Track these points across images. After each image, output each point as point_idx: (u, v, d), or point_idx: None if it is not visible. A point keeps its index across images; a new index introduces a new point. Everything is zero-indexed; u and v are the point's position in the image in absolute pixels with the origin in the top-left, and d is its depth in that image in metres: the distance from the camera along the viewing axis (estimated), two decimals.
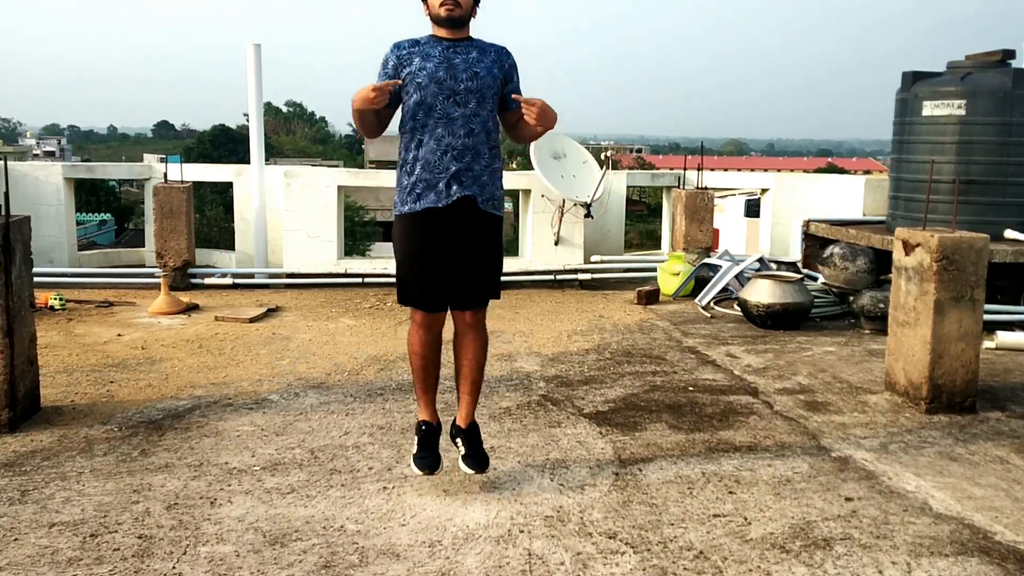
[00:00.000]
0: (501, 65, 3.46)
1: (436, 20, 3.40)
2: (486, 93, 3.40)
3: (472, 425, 3.63)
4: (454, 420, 3.68)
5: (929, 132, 7.60)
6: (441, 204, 3.38)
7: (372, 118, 3.39)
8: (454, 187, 3.38)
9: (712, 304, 7.79)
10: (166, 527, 3.17)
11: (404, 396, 4.83)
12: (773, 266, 8.14)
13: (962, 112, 7.34)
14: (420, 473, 3.53)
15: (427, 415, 3.63)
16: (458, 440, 3.62)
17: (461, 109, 3.36)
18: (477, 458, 3.54)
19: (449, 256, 3.42)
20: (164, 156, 13.62)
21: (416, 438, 3.62)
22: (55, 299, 7.16)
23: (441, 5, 3.33)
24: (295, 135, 72.65)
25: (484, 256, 3.47)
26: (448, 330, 3.57)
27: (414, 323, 3.52)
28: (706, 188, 9.37)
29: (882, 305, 6.61)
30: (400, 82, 3.35)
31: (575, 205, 8.88)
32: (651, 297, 7.94)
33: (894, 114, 8.08)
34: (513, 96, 3.42)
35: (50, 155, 71.28)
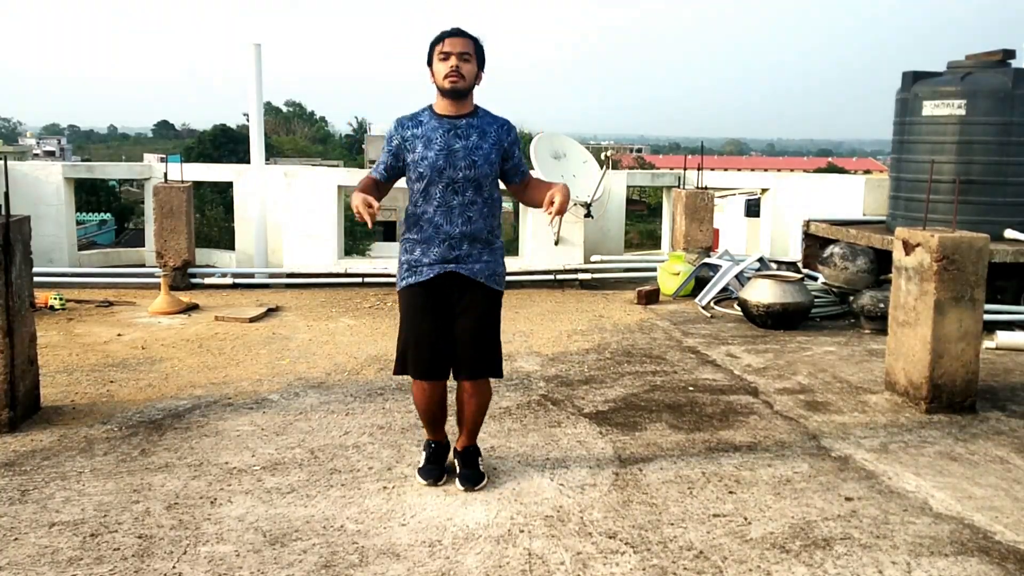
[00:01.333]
0: (500, 146, 3.48)
1: (440, 91, 3.41)
2: (483, 182, 3.43)
3: (468, 449, 3.68)
4: (455, 444, 3.76)
5: (929, 132, 7.60)
6: (436, 274, 3.41)
7: (373, 191, 3.41)
8: (454, 263, 3.42)
9: (712, 304, 7.79)
10: (166, 527, 3.17)
11: (404, 396, 4.83)
12: (773, 266, 8.14)
13: (962, 112, 7.34)
14: (425, 483, 3.60)
15: (436, 437, 3.71)
16: (455, 460, 3.70)
17: (459, 198, 3.39)
18: (471, 476, 3.61)
19: (450, 327, 3.45)
20: (164, 156, 13.63)
21: (424, 453, 3.71)
22: (55, 299, 7.16)
23: (445, 77, 3.34)
24: (295, 135, 72.62)
25: (482, 329, 3.48)
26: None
27: (417, 386, 3.55)
28: (706, 188, 9.37)
29: (882, 305, 6.61)
30: (376, 211, 3.25)
31: (575, 205, 8.88)
32: (651, 297, 7.94)
33: (894, 114, 8.08)
34: (545, 210, 3.35)
35: (50, 155, 71.26)
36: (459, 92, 3.38)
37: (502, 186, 3.63)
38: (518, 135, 3.60)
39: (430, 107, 3.49)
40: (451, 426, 3.85)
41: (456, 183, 3.38)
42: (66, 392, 4.83)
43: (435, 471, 3.62)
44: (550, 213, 3.32)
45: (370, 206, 3.19)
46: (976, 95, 7.29)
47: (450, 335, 3.46)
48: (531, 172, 3.69)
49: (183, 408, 4.58)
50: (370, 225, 3.24)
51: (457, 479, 3.61)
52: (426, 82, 3.46)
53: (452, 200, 3.39)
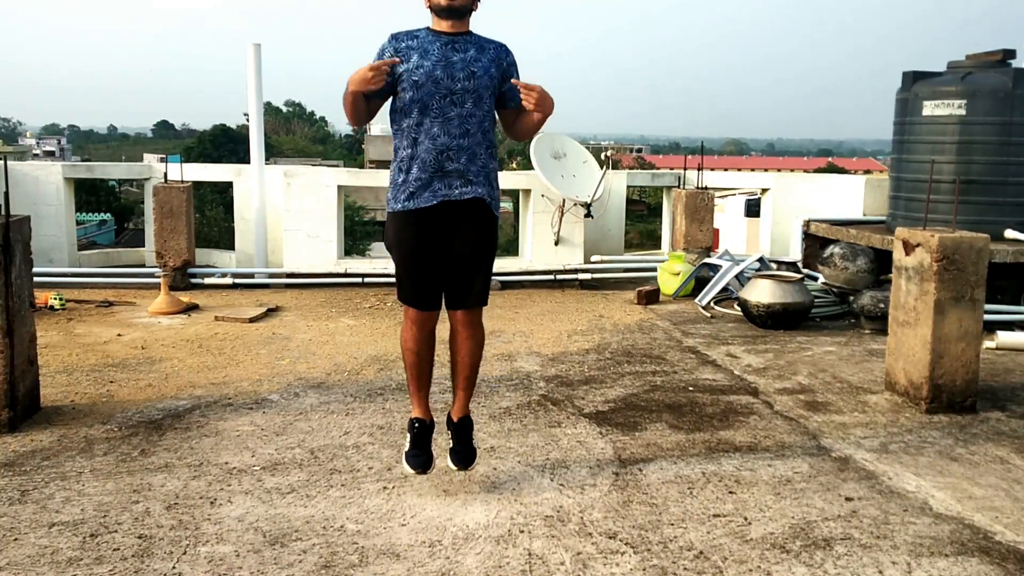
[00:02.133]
0: (499, 63, 3.41)
1: (436, 10, 3.34)
2: (483, 93, 3.35)
3: (464, 420, 3.59)
4: (449, 412, 3.68)
5: (929, 132, 7.60)
6: (436, 202, 3.35)
7: (363, 104, 3.34)
8: (450, 187, 3.35)
9: (712, 304, 7.79)
10: (166, 527, 3.17)
11: (404, 396, 4.82)
12: (773, 266, 8.13)
13: (962, 112, 7.34)
14: (412, 472, 3.52)
15: (420, 412, 3.60)
16: (449, 432, 3.62)
17: (457, 109, 3.32)
18: (463, 454, 3.53)
19: (443, 255, 3.40)
20: (164, 156, 13.62)
21: (408, 435, 3.59)
22: (55, 299, 7.16)
23: None
24: (295, 135, 72.64)
25: (480, 256, 3.44)
26: (443, 328, 3.57)
27: (407, 319, 3.48)
28: (706, 188, 9.37)
29: (882, 305, 6.60)
30: (398, 60, 3.29)
31: (575, 205, 8.88)
32: (651, 297, 7.93)
33: (894, 114, 8.08)
34: (512, 80, 3.36)
35: (50, 155, 71.28)
36: (456, 11, 3.32)
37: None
38: (515, 59, 3.51)
39: (426, 27, 3.42)
40: (435, 405, 3.84)
41: (454, 94, 3.30)
42: (66, 392, 4.82)
43: (423, 458, 3.51)
44: (530, 100, 3.26)
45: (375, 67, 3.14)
46: (976, 95, 7.29)
47: (444, 263, 3.39)
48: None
49: (183, 408, 4.58)
50: (381, 81, 3.18)
51: (448, 456, 3.53)
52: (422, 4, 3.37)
53: (450, 111, 3.31)
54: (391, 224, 3.45)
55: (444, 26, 3.37)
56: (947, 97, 7.42)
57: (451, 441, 3.59)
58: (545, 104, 3.32)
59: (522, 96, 3.30)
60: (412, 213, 3.36)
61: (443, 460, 3.65)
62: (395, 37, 3.39)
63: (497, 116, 3.54)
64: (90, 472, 3.68)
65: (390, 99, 3.45)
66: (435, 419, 3.69)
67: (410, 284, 3.41)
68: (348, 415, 4.51)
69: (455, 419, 3.60)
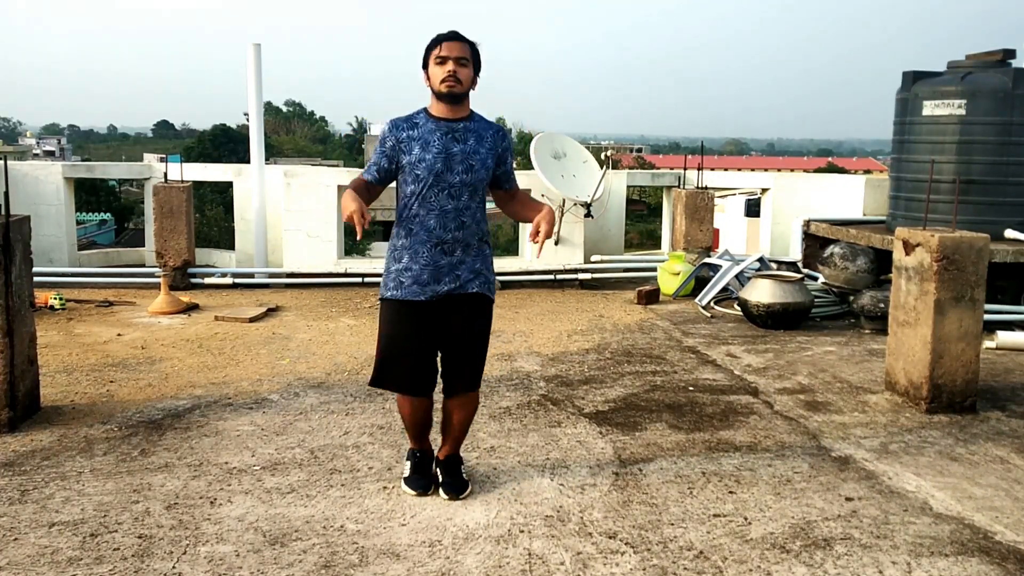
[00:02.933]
0: (495, 152, 3.44)
1: (436, 95, 3.36)
2: (478, 186, 3.39)
3: (451, 457, 3.62)
4: (437, 452, 3.69)
5: (929, 132, 7.60)
6: (426, 297, 3.35)
7: (365, 193, 3.35)
8: (439, 282, 3.36)
9: (712, 304, 7.79)
10: (166, 527, 3.17)
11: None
12: (773, 266, 8.13)
13: (962, 112, 7.34)
14: (413, 493, 3.54)
15: (418, 446, 3.65)
16: (437, 469, 3.63)
17: (454, 202, 3.34)
18: (454, 484, 3.54)
19: (436, 344, 3.41)
20: (164, 156, 13.62)
21: (409, 463, 3.64)
22: (55, 299, 7.16)
23: (443, 82, 3.29)
24: (295, 135, 72.67)
25: (471, 344, 3.45)
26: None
27: (401, 396, 3.49)
28: (706, 188, 9.37)
29: (882, 305, 6.60)
30: (366, 227, 3.19)
31: (575, 205, 8.88)
32: (651, 297, 7.94)
33: (894, 114, 8.08)
34: (531, 239, 3.31)
35: (50, 155, 71.30)
36: (456, 96, 3.34)
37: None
38: (511, 142, 3.57)
39: (425, 110, 3.43)
40: (435, 433, 3.84)
41: (453, 187, 3.33)
42: (66, 392, 4.82)
43: (422, 481, 3.56)
44: (536, 242, 3.28)
45: (362, 215, 3.12)
46: (976, 95, 7.29)
47: (436, 350, 3.41)
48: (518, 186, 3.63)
49: (183, 408, 4.58)
50: (359, 235, 3.18)
51: (440, 488, 3.54)
52: (422, 83, 3.40)
53: (447, 204, 3.33)
54: (384, 310, 3.45)
55: (442, 110, 3.38)
56: (947, 97, 7.42)
57: (440, 476, 3.60)
58: (550, 234, 3.32)
59: (531, 238, 3.30)
60: (401, 303, 3.37)
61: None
62: (395, 126, 3.40)
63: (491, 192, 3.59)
64: (90, 472, 3.68)
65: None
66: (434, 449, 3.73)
67: (404, 372, 3.40)
68: (348, 415, 4.51)
69: (441, 458, 3.63)
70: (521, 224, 9.60)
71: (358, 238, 3.22)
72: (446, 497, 3.50)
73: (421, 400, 3.47)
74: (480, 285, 3.43)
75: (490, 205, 3.71)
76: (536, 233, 3.26)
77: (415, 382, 3.41)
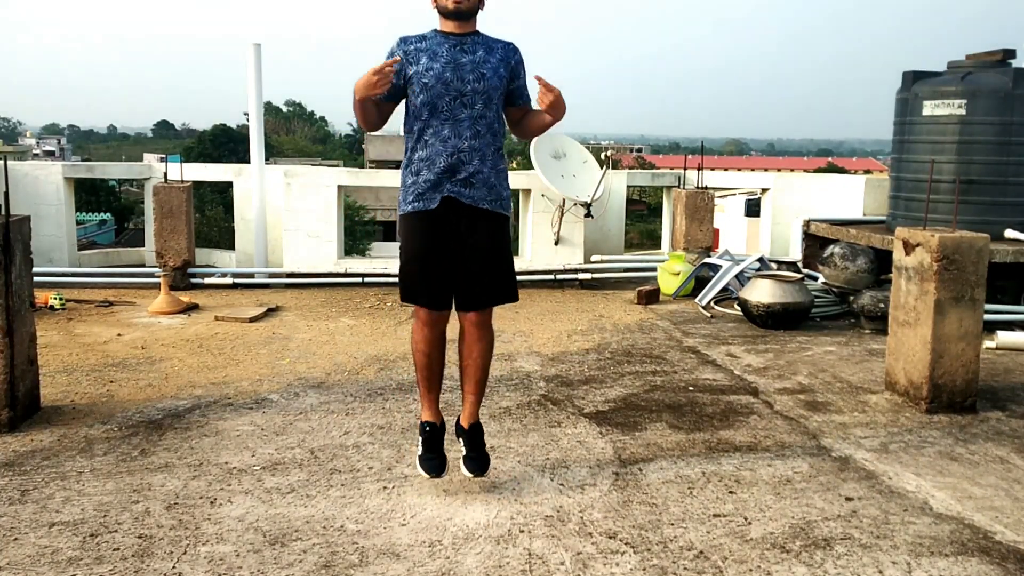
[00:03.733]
0: (507, 63, 3.44)
1: (443, 13, 3.37)
2: (492, 94, 3.37)
3: (475, 426, 3.59)
4: (458, 419, 3.66)
5: (929, 132, 7.60)
6: (441, 197, 3.35)
7: (373, 109, 3.36)
8: (461, 189, 3.36)
9: (712, 304, 7.79)
10: (166, 527, 3.17)
11: (404, 396, 4.83)
12: (773, 266, 8.13)
13: (962, 112, 7.34)
14: (427, 476, 3.51)
15: (431, 415, 3.59)
16: (460, 440, 3.61)
17: (467, 111, 3.34)
18: (478, 460, 3.52)
19: (455, 255, 3.40)
20: (164, 156, 13.62)
21: (420, 439, 3.58)
22: (55, 299, 7.16)
23: None
24: (295, 135, 72.67)
25: (492, 256, 3.44)
26: (452, 329, 3.57)
27: (418, 320, 3.48)
28: (706, 188, 9.37)
29: (882, 305, 6.60)
30: (399, 59, 3.31)
31: (575, 205, 8.88)
32: (651, 297, 7.93)
33: (894, 114, 8.08)
34: (536, 77, 3.36)
35: (50, 155, 71.32)
36: (463, 13, 3.34)
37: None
38: (523, 57, 3.53)
39: (434, 29, 3.44)
40: (446, 413, 3.84)
41: (464, 96, 3.33)
42: (66, 392, 4.82)
43: (436, 462, 3.51)
44: (545, 100, 3.29)
45: (382, 70, 3.13)
46: (976, 95, 7.29)
47: (454, 263, 3.39)
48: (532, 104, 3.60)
49: (183, 408, 4.58)
50: (387, 84, 3.17)
51: (462, 463, 3.51)
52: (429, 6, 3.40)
53: (460, 113, 3.33)
54: (401, 225, 3.47)
55: (451, 27, 3.39)
56: (947, 97, 7.42)
57: (463, 448, 3.58)
58: (558, 109, 3.35)
59: (540, 93, 3.32)
60: (421, 214, 3.38)
61: (450, 460, 3.65)
62: (404, 40, 3.41)
63: (504, 113, 3.56)
64: (90, 472, 3.68)
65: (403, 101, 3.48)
66: (446, 420, 3.71)
67: (422, 285, 3.40)
68: (348, 415, 4.51)
69: (465, 426, 3.59)
70: (521, 224, 9.61)
71: (386, 85, 3.15)
72: (468, 473, 3.48)
73: (438, 318, 3.43)
74: (496, 202, 3.43)
75: None
76: (545, 93, 3.27)
77: (434, 293, 3.39)
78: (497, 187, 3.43)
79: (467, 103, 3.33)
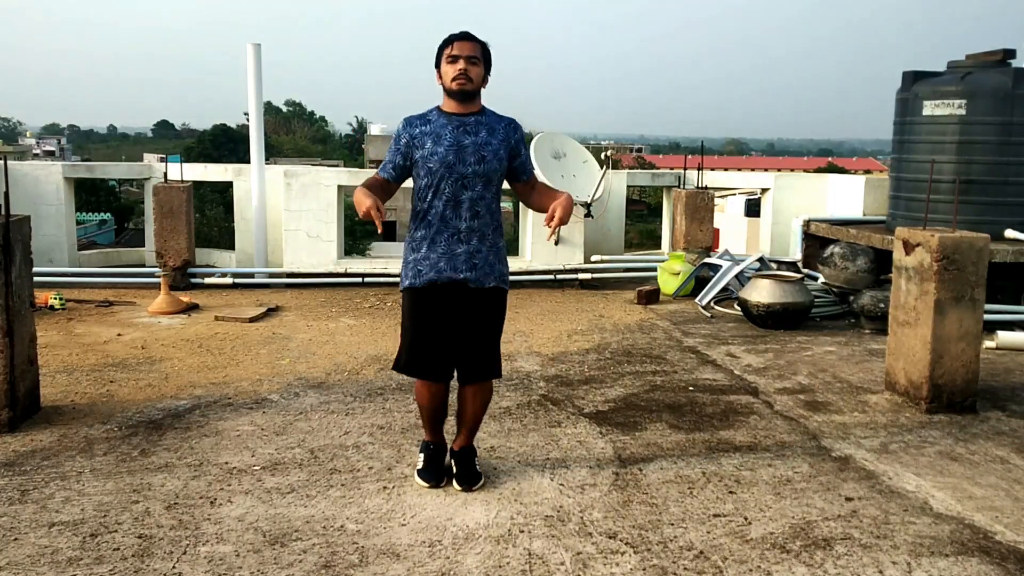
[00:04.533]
0: (508, 143, 3.51)
1: (448, 92, 3.45)
2: (492, 176, 3.46)
3: (465, 449, 3.69)
4: (451, 443, 3.76)
5: (929, 132, 7.60)
6: (444, 281, 3.43)
7: (381, 193, 3.42)
8: (456, 270, 3.43)
9: (712, 304, 7.79)
10: (166, 527, 3.17)
11: (404, 396, 4.83)
12: (773, 266, 8.13)
13: (962, 112, 7.33)
14: (426, 485, 3.61)
15: (433, 438, 3.72)
16: (452, 460, 3.71)
17: (468, 192, 3.42)
18: (467, 477, 3.62)
19: (455, 332, 3.47)
20: (164, 156, 13.61)
21: (422, 455, 3.70)
22: (55, 299, 7.16)
23: (454, 80, 3.38)
24: (295, 135, 72.65)
25: (488, 334, 3.54)
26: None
27: (420, 384, 3.56)
28: (706, 188, 9.37)
29: (882, 305, 6.60)
30: (382, 219, 3.29)
31: (575, 205, 8.87)
32: (651, 297, 7.93)
33: (894, 114, 8.08)
34: (546, 223, 3.39)
35: (50, 155, 71.28)
36: (467, 94, 3.43)
37: (505, 186, 3.65)
38: (523, 134, 3.63)
39: (437, 107, 3.52)
40: (448, 426, 3.85)
41: (465, 178, 3.41)
42: (66, 392, 4.82)
43: (435, 474, 3.64)
44: (550, 227, 3.34)
45: (378, 210, 3.18)
46: (976, 95, 7.29)
47: (454, 338, 3.47)
48: (535, 174, 3.71)
49: (183, 408, 4.58)
50: (379, 229, 3.27)
51: (454, 480, 3.62)
52: (429, 83, 3.51)
53: (461, 195, 3.42)
54: (403, 300, 3.56)
55: (454, 107, 3.47)
56: (947, 97, 7.42)
57: (455, 467, 3.68)
58: (566, 220, 3.37)
59: (545, 222, 3.37)
60: (421, 291, 3.45)
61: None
62: (409, 123, 3.50)
63: (510, 186, 3.66)
64: (90, 472, 3.68)
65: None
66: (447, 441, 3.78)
67: (423, 360, 3.48)
68: (348, 415, 4.51)
69: (456, 449, 3.70)
70: (521, 224, 9.61)
71: (379, 231, 3.30)
72: (459, 488, 3.57)
73: (439, 387, 3.54)
74: (496, 279, 3.51)
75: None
76: (551, 218, 3.32)
77: (434, 368, 3.47)
78: (497, 265, 3.53)
79: (468, 185, 3.42)
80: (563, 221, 3.32)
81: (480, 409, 3.64)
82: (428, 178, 3.42)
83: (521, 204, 9.41)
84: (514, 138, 3.54)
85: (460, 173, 3.40)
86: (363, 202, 3.20)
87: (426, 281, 3.43)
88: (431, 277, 3.42)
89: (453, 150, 3.40)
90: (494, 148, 3.45)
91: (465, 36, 3.42)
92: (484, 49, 3.45)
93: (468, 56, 3.38)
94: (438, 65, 3.45)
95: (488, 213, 3.48)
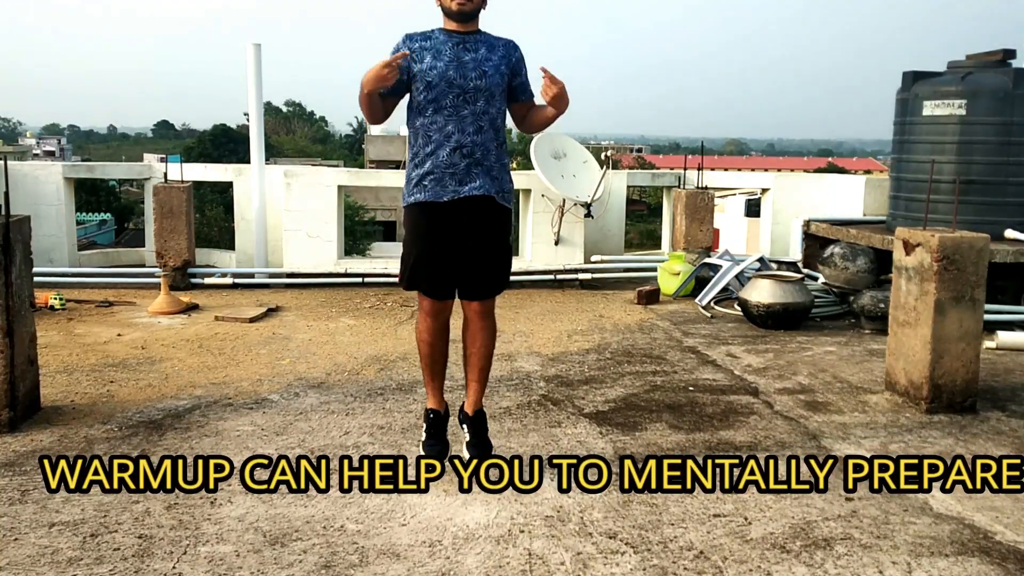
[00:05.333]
0: (509, 60, 3.54)
1: (447, 13, 3.48)
2: (494, 91, 3.48)
3: (478, 413, 3.70)
4: (462, 406, 3.77)
5: (929, 132, 7.60)
6: (447, 199, 3.45)
7: (379, 102, 3.45)
8: (461, 183, 3.45)
9: (712, 304, 7.79)
10: (166, 527, 3.17)
11: (404, 396, 4.83)
12: (773, 266, 8.13)
13: (962, 112, 7.33)
14: (428, 456, 3.63)
15: (435, 403, 3.73)
16: (464, 426, 3.72)
17: (471, 107, 3.44)
18: (480, 446, 3.64)
19: (459, 246, 3.49)
20: (164, 156, 13.61)
21: (424, 425, 3.72)
22: (55, 299, 7.16)
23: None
24: (295, 135, 72.66)
25: (494, 247, 3.56)
26: (456, 318, 3.62)
27: (422, 311, 3.59)
28: (706, 188, 9.36)
29: (882, 305, 6.60)
30: (407, 53, 3.40)
31: (575, 205, 8.88)
32: (651, 297, 7.93)
33: (894, 114, 8.08)
34: (540, 68, 3.45)
35: (50, 155, 71.33)
36: (466, 15, 3.45)
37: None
38: (523, 55, 3.63)
39: (438, 27, 3.54)
40: (449, 396, 3.85)
41: (467, 92, 3.42)
42: (66, 392, 4.82)
43: (438, 446, 3.66)
44: (549, 92, 3.36)
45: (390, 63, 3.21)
46: (976, 95, 7.29)
47: (457, 254, 3.48)
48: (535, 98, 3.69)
49: (183, 408, 4.58)
50: (395, 77, 3.26)
51: (465, 448, 3.63)
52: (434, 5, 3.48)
53: (463, 109, 3.43)
54: (405, 216, 3.56)
55: (454, 26, 3.51)
56: (947, 97, 7.42)
57: (467, 435, 3.70)
58: (562, 101, 3.44)
59: (544, 85, 3.39)
60: (424, 205, 3.47)
61: (457, 444, 3.70)
62: (409, 37, 3.52)
63: (508, 110, 3.65)
64: None
65: (406, 97, 3.57)
66: (450, 409, 3.80)
67: (425, 274, 3.50)
68: (348, 415, 4.51)
69: (469, 413, 3.70)
70: (521, 224, 9.61)
71: (392, 76, 3.29)
72: (469, 455, 3.58)
73: (442, 308, 3.54)
74: (497, 195, 3.52)
75: None
76: (549, 86, 3.35)
77: (437, 282, 3.49)
78: (500, 179, 3.54)
79: (470, 99, 3.43)
80: (559, 88, 3.35)
81: (486, 343, 3.61)
82: (427, 91, 3.43)
83: (521, 205, 9.43)
84: (514, 56, 3.56)
85: (461, 87, 3.41)
86: (369, 72, 3.22)
87: (431, 196, 3.43)
88: (436, 192, 3.43)
89: (453, 65, 3.42)
90: (495, 64, 3.48)
91: None
92: None
93: None
94: None
95: (492, 128, 3.48)
